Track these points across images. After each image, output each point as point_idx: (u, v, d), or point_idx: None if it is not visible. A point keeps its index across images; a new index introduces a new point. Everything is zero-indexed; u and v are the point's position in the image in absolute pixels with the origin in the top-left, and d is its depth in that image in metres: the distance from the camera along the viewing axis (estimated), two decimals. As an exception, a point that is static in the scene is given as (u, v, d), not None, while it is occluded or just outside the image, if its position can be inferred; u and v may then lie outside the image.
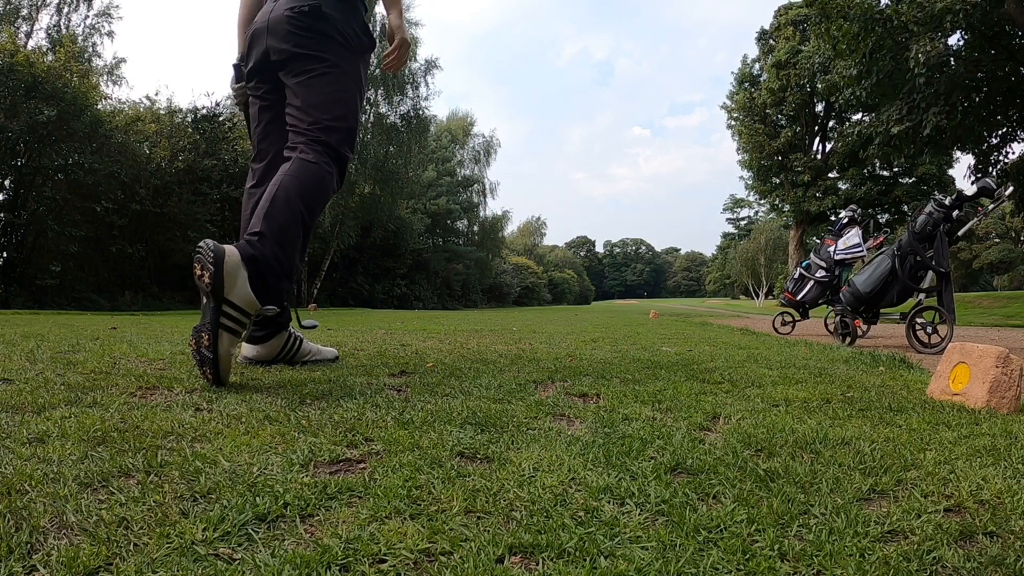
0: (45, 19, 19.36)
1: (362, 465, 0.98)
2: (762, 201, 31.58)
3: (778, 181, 27.14)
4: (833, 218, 23.60)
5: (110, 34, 20.49)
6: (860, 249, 5.97)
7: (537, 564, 0.67)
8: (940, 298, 4.05)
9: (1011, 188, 4.23)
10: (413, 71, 25.38)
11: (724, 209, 57.48)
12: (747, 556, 0.69)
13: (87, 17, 19.85)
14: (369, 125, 24.93)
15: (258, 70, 2.02)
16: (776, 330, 6.33)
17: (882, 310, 4.57)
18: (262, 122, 2.09)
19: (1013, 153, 13.38)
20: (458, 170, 40.98)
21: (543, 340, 3.64)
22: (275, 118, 2.05)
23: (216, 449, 1.01)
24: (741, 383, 1.86)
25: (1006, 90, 12.00)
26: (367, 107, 25.11)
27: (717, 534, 0.74)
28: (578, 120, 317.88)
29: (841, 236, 6.12)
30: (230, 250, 1.61)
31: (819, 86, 15.78)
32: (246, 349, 2.10)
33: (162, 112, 18.14)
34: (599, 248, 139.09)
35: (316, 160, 1.85)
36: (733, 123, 28.13)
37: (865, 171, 24.10)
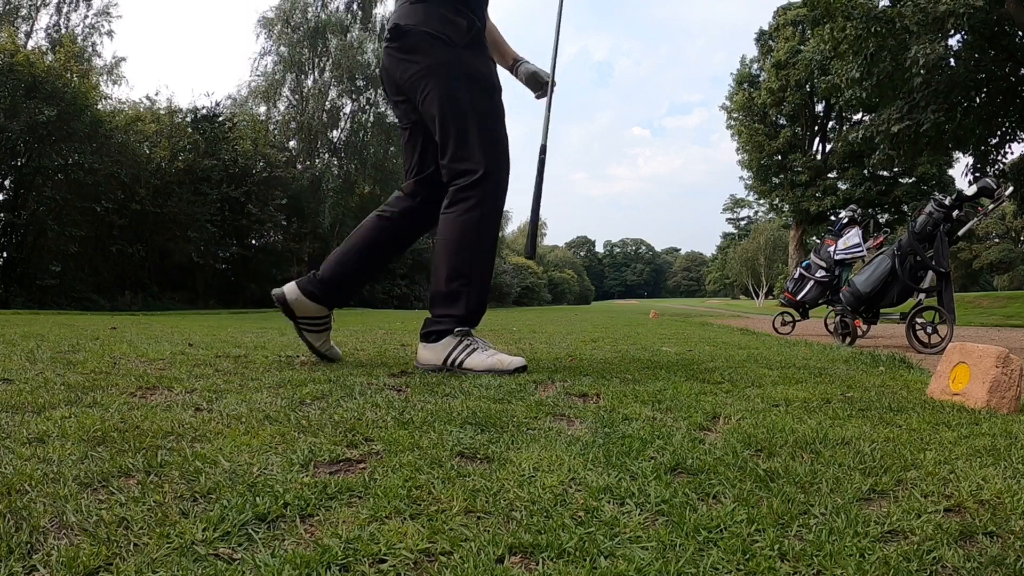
0: (44, 19, 19.37)
1: (362, 465, 0.98)
2: (762, 201, 31.60)
3: (778, 181, 27.13)
4: (833, 218, 23.60)
5: (109, 33, 20.48)
6: (860, 249, 5.97)
7: (537, 564, 0.67)
8: (940, 298, 4.05)
9: (1011, 188, 4.23)
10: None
11: (724, 209, 57.63)
12: (747, 556, 0.69)
13: (87, 17, 19.86)
14: (369, 125, 24.94)
15: (391, 98, 2.14)
16: (776, 330, 6.33)
17: (882, 310, 4.57)
18: (405, 138, 2.15)
19: (1012, 153, 13.39)
20: (458, 170, 40.90)
21: (543, 340, 3.64)
22: (411, 131, 2.12)
23: (216, 449, 1.01)
24: (741, 383, 1.86)
25: (1006, 90, 12.00)
26: (367, 107, 25.13)
27: (717, 534, 0.74)
28: (578, 120, 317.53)
29: (841, 236, 6.12)
30: (288, 289, 2.10)
31: (820, 87, 15.76)
32: (421, 354, 2.13)
33: (162, 112, 18.16)
34: (599, 248, 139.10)
35: (449, 210, 1.99)
36: (733, 123, 28.14)
37: (865, 171, 24.12)
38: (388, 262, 2.27)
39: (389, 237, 2.16)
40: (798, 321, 6.51)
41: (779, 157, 26.62)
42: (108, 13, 20.07)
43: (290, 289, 2.11)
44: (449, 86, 1.92)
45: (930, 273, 4.16)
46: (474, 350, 1.96)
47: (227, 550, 0.67)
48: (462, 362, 1.95)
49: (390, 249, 2.20)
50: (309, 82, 24.64)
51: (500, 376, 1.85)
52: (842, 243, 6.05)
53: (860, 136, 13.85)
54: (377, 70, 24.08)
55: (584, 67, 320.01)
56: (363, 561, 0.66)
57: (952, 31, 11.09)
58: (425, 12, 1.93)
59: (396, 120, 2.22)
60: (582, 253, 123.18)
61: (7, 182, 14.89)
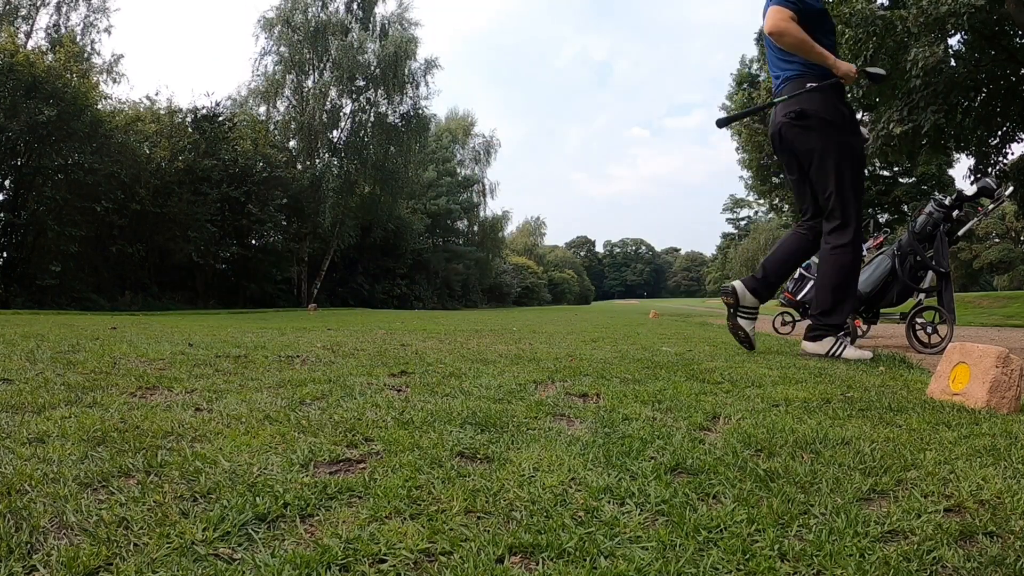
0: (44, 19, 19.34)
1: (362, 465, 0.98)
2: (762, 201, 31.58)
3: (778, 181, 27.09)
4: (833, 218, 23.54)
5: (108, 30, 20.39)
6: (860, 249, 5.96)
7: (537, 564, 0.67)
8: (940, 298, 4.05)
9: (1011, 188, 4.23)
10: (413, 71, 25.36)
11: (724, 209, 57.64)
12: (747, 556, 0.69)
13: (87, 16, 19.82)
14: (369, 125, 24.92)
15: (778, 155, 2.86)
16: (776, 330, 6.33)
17: (882, 310, 4.57)
18: (795, 184, 2.87)
19: (1012, 153, 13.36)
20: (458, 170, 40.92)
21: (543, 340, 3.64)
22: (799, 181, 2.80)
23: (216, 449, 1.01)
24: (741, 383, 1.86)
25: (1006, 90, 11.98)
26: (368, 107, 25.12)
27: (717, 534, 0.74)
28: (577, 121, 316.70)
29: (841, 236, 6.11)
30: (738, 284, 2.87)
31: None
32: (807, 346, 2.79)
33: (162, 112, 18.12)
34: (599, 248, 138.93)
35: (830, 248, 2.66)
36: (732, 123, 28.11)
37: (864, 171, 24.11)
38: (794, 271, 2.94)
39: (802, 252, 2.89)
40: (798, 321, 6.50)
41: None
42: (106, 9, 20.01)
43: (739, 284, 2.87)
44: (838, 164, 2.60)
45: (930, 273, 4.15)
46: (846, 346, 2.69)
47: (227, 550, 0.67)
48: (840, 354, 2.67)
49: (799, 261, 2.98)
50: (309, 82, 24.64)
51: (503, 376, 1.85)
52: (842, 243, 6.04)
53: None
54: (376, 69, 24.14)
55: (583, 68, 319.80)
56: (363, 561, 0.66)
57: (952, 31, 11.08)
58: (823, 101, 2.57)
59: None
60: (582, 253, 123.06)
61: (7, 182, 14.89)
